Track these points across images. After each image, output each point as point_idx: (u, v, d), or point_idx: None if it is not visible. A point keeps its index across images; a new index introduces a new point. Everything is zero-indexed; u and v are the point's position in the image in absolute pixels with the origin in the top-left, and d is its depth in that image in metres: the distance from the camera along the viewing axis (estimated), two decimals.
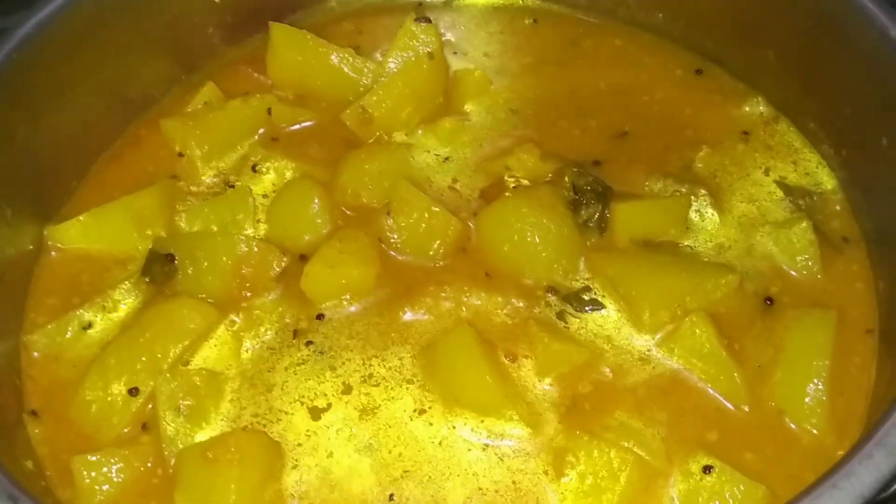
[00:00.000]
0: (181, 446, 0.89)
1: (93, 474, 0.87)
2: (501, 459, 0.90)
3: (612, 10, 1.27)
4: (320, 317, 1.00)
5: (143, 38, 1.17)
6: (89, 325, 1.00)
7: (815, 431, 0.90)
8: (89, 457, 0.88)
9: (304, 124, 1.17)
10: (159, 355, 0.94)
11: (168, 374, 0.92)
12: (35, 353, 0.99)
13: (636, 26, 1.26)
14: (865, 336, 0.96)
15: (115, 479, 0.88)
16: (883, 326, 0.97)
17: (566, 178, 1.06)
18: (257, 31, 1.26)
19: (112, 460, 0.88)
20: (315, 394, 0.95)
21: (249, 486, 0.85)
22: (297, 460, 0.91)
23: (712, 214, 1.05)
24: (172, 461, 0.89)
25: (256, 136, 1.16)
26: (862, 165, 1.04)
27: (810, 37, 1.06)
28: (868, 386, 0.92)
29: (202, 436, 0.91)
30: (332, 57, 1.18)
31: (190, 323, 0.96)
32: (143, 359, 0.93)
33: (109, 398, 0.92)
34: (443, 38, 1.23)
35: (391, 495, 0.88)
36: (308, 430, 0.92)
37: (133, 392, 0.92)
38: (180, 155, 1.14)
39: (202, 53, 1.25)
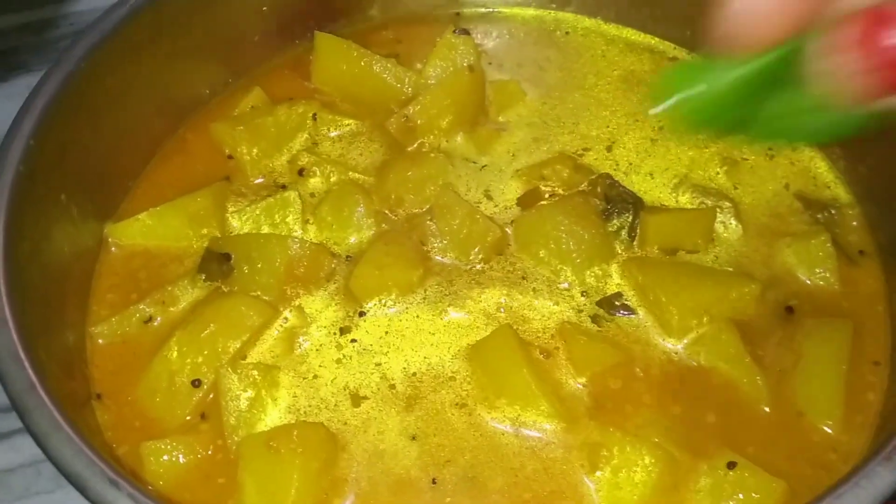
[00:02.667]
0: (242, 434, 0.96)
1: (162, 458, 0.93)
2: (537, 451, 0.96)
3: (642, 25, 1.33)
4: (363, 314, 1.06)
5: (195, 46, 1.23)
6: (150, 319, 1.06)
7: (831, 431, 0.96)
8: (157, 443, 0.94)
9: (346, 130, 1.23)
10: (220, 349, 1.00)
11: (229, 368, 0.98)
12: (100, 341, 1.05)
13: (667, 42, 1.32)
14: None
15: (180, 463, 0.94)
16: None
17: (598, 189, 1.13)
18: (300, 37, 1.32)
19: (178, 447, 0.94)
20: (361, 386, 1.01)
21: (310, 474, 0.92)
22: (345, 446, 0.97)
23: (736, 226, 1.12)
24: (234, 448, 0.95)
25: (302, 141, 1.22)
26: (879, 182, 1.10)
27: None
28: (881, 388, 0.99)
29: (262, 425, 0.97)
30: (375, 66, 1.24)
31: (248, 320, 1.02)
32: (205, 352, 0.99)
33: (173, 389, 0.99)
34: (478, 48, 1.30)
35: (433, 480, 0.95)
36: (354, 418, 0.99)
37: (196, 383, 0.99)
38: (230, 157, 1.20)
39: (249, 59, 1.30)
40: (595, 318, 1.05)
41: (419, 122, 1.20)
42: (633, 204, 1.11)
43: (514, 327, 1.03)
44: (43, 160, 1.00)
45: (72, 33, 1.55)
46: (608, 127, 1.23)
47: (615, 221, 1.10)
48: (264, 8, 1.28)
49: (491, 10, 1.38)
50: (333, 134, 1.23)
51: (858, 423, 0.97)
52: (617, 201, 1.11)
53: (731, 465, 0.92)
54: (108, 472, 0.75)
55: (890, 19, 0.49)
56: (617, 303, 1.06)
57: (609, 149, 1.20)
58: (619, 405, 0.99)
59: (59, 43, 1.54)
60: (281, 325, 1.05)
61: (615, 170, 1.17)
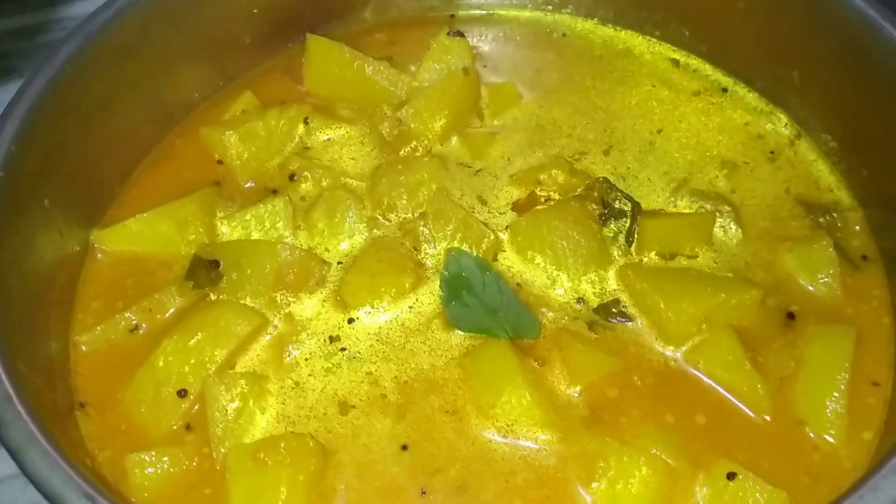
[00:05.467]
0: (229, 445, 0.93)
1: (146, 471, 0.91)
2: (530, 461, 0.94)
3: (640, 27, 1.31)
4: (352, 321, 1.04)
5: (184, 49, 1.21)
6: (136, 327, 1.03)
7: (833, 441, 0.94)
8: (141, 455, 0.92)
9: (338, 134, 1.21)
10: (207, 359, 0.98)
11: (216, 378, 0.96)
12: (84, 349, 1.03)
13: (663, 43, 1.29)
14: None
15: (165, 474, 0.92)
16: None
17: (595, 193, 1.10)
18: (293, 40, 1.30)
19: (164, 459, 0.92)
20: (350, 394, 0.98)
21: (298, 486, 0.89)
22: (333, 456, 0.94)
23: (736, 230, 1.09)
24: (220, 459, 0.93)
25: (293, 145, 1.19)
26: (882, 185, 1.08)
27: (835, 59, 1.10)
28: (884, 399, 0.97)
29: (249, 436, 0.95)
30: (368, 69, 1.22)
31: (236, 328, 1.00)
32: (192, 362, 0.97)
33: (159, 399, 0.96)
34: (474, 51, 1.28)
35: (423, 490, 0.93)
36: (343, 427, 0.96)
37: (182, 394, 0.96)
38: (220, 162, 1.18)
39: (239, 62, 1.28)
40: (592, 325, 1.03)
41: (413, 125, 1.18)
42: (631, 208, 1.09)
43: None
44: (25, 165, 0.98)
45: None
46: (605, 130, 1.21)
47: (612, 226, 1.08)
48: (255, 10, 1.26)
49: (486, 11, 1.36)
50: (325, 138, 1.20)
51: (860, 434, 0.94)
52: (614, 206, 1.09)
53: (731, 476, 0.90)
54: (85, 487, 0.72)
55: None
56: (614, 309, 1.03)
57: (606, 152, 1.18)
58: (616, 415, 0.96)
59: (51, 48, 1.52)
60: (270, 334, 1.03)
61: (612, 174, 1.15)
